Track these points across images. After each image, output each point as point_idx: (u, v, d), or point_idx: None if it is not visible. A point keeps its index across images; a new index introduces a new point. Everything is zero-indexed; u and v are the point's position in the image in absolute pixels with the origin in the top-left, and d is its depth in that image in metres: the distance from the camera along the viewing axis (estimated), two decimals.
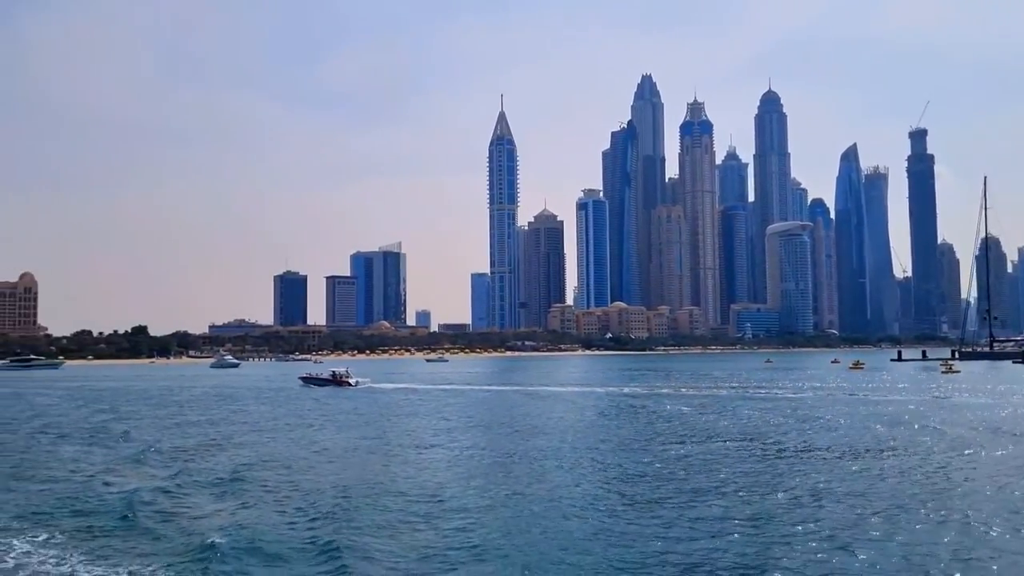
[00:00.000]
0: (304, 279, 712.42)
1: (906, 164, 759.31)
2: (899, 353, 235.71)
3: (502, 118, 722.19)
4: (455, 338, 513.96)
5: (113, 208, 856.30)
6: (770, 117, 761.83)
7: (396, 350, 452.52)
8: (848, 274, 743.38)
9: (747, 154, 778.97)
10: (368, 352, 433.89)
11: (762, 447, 40.59)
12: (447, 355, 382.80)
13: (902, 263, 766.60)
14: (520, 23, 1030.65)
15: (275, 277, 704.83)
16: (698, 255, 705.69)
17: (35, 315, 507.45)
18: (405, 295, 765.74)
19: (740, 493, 28.48)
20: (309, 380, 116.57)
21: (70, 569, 19.91)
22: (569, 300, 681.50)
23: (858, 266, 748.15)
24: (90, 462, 38.60)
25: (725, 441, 43.58)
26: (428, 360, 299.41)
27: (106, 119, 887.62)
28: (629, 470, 34.48)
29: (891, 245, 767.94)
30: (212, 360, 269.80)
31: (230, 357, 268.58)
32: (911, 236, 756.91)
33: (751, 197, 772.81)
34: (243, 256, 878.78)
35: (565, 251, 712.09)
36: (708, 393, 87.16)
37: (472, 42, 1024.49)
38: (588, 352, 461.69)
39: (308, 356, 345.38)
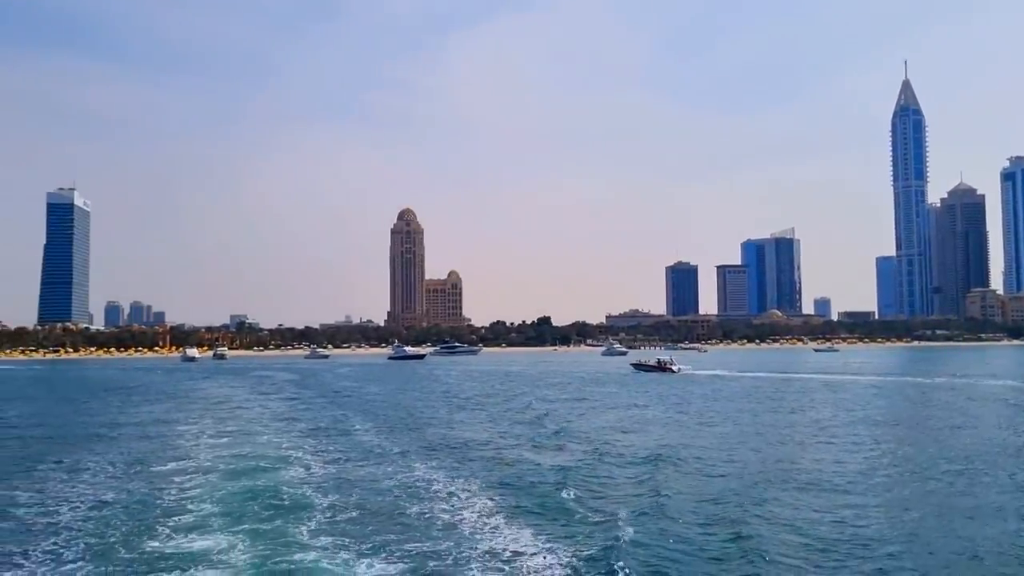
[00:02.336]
0: (695, 269, 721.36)
1: None
2: None
3: (906, 86, 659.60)
4: (853, 327, 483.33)
5: (521, 209, 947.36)
6: None
7: (788, 339, 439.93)
8: None
9: None
10: (758, 342, 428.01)
11: None
12: (841, 345, 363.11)
13: None
14: None
15: (666, 268, 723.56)
16: None
17: (460, 308, 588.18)
18: (800, 282, 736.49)
19: None
20: (639, 366, 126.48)
21: (507, 533, 21.68)
22: (993, 284, 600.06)
23: None
24: (517, 439, 43.44)
25: None
26: (816, 350, 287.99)
27: (514, 128, 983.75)
28: None
29: None
30: (603, 348, 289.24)
31: (619, 346, 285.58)
32: None
33: None
34: (638, 248, 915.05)
35: (987, 228, 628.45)
36: None
37: (870, 9, 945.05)
38: (1017, 342, 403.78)
39: (696, 345, 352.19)
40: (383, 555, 19.40)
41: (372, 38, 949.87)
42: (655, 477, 29.94)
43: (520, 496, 26.58)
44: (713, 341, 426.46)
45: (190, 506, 25.81)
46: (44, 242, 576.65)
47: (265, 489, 27.98)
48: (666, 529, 21.79)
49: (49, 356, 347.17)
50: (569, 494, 26.60)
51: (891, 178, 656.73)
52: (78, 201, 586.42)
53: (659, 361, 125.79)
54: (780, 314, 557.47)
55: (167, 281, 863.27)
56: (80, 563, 19.23)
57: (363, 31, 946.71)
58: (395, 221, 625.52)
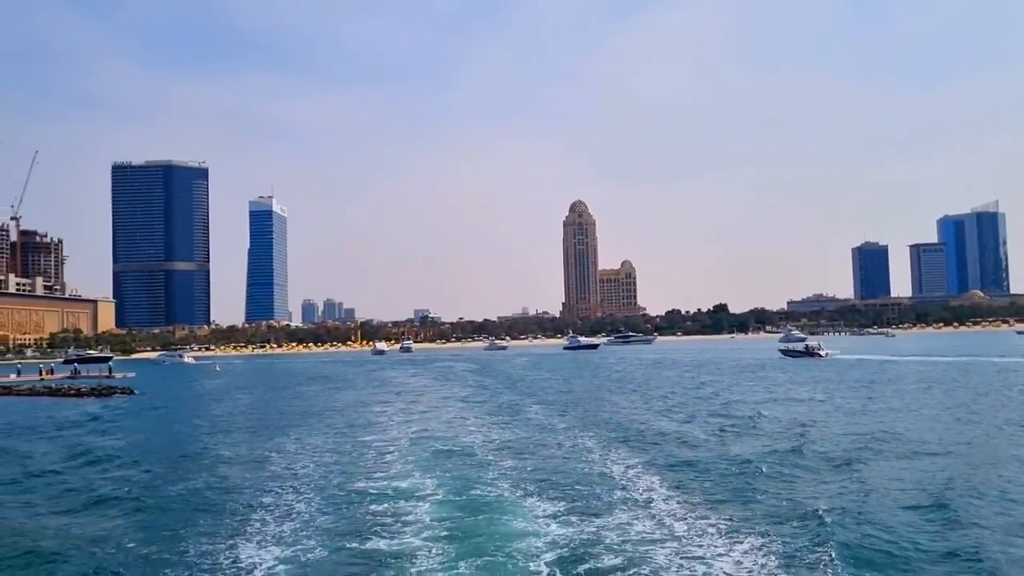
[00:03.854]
0: (884, 249, 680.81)
1: None
2: None
3: None
4: None
5: (695, 193, 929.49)
6: None
7: (991, 322, 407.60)
8: None
9: None
10: (955, 325, 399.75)
11: None
12: None
13: None
14: None
15: (853, 249, 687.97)
16: None
17: (635, 297, 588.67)
18: (1006, 260, 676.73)
19: None
20: (787, 352, 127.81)
21: (692, 512, 21.57)
22: None
23: None
24: (707, 426, 43.56)
25: None
26: (1019, 333, 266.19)
27: (686, 112, 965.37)
28: None
29: None
30: (781, 335, 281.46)
31: (797, 332, 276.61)
32: None
33: None
34: (822, 230, 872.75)
35: None
36: None
37: None
38: None
39: (884, 330, 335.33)
40: (550, 495, 24.14)
41: (538, 32, 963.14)
42: (817, 457, 32.92)
43: (665, 460, 30.63)
44: (905, 325, 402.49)
45: (390, 460, 32.04)
46: (248, 247, 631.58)
47: (452, 451, 33.75)
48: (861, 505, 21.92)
49: (257, 351, 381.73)
50: (721, 465, 30.34)
51: None
52: (275, 208, 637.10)
53: (807, 347, 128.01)
54: (982, 295, 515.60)
55: (355, 279, 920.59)
56: (312, 494, 25.72)
57: (529, 26, 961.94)
58: (567, 214, 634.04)
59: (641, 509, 22.16)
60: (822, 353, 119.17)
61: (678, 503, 22.87)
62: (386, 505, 23.54)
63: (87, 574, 17.70)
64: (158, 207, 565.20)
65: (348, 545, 19.22)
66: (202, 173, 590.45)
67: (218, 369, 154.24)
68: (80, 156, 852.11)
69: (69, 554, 19.26)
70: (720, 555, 17.64)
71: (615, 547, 18.34)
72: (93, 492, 27.55)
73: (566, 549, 18.27)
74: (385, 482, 27.17)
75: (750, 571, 16.55)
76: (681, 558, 17.44)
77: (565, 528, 20.18)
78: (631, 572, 16.49)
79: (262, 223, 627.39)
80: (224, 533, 20.85)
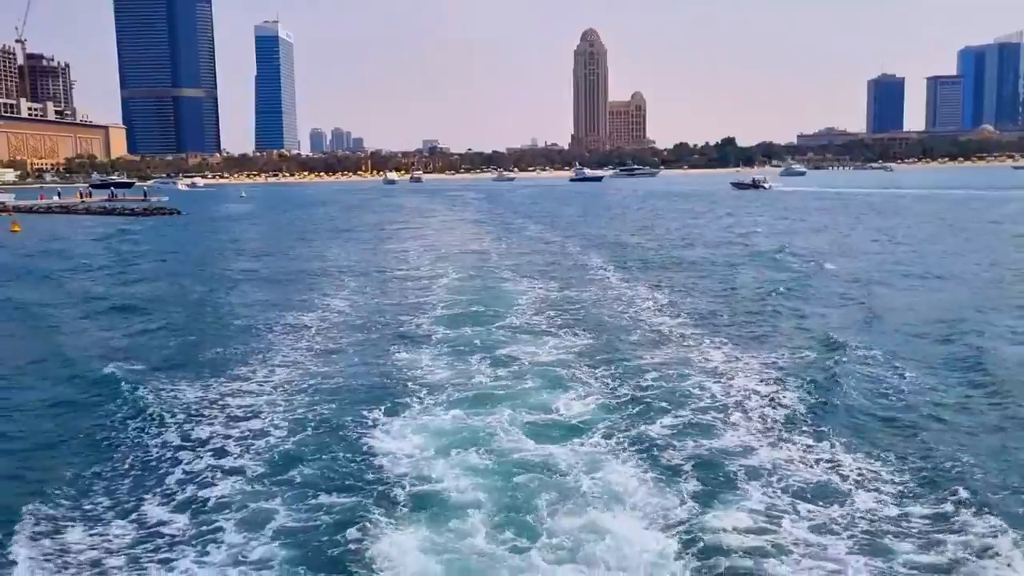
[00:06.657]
0: (901, 82, 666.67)
1: None
2: None
3: None
4: None
5: (707, 26, 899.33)
6: None
7: (996, 157, 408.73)
8: None
9: None
10: (961, 160, 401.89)
11: None
12: None
13: None
14: None
15: (869, 82, 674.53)
16: None
17: (644, 130, 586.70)
18: None
19: None
20: (737, 184, 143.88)
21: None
22: None
23: None
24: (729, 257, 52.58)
25: None
26: (1016, 168, 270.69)
27: None
28: None
29: None
30: (781, 169, 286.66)
31: (798, 167, 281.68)
32: None
33: None
34: (836, 62, 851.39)
35: None
36: None
37: None
38: None
39: (885, 165, 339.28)
40: (539, 276, 33.29)
41: None
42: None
43: (616, 254, 40.22)
44: (911, 160, 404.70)
45: (413, 258, 41.53)
46: (255, 74, 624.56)
47: (462, 252, 43.31)
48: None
49: (271, 180, 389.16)
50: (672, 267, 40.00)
51: None
52: (281, 33, 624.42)
53: (754, 180, 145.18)
54: (992, 129, 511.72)
55: (363, 108, 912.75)
56: (357, 275, 35.28)
57: None
58: (578, 42, 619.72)
59: (601, 282, 31.46)
60: (766, 186, 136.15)
61: (626, 277, 32.35)
62: (415, 282, 32.61)
63: (223, 318, 27.26)
64: (162, 31, 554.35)
65: (392, 300, 28.22)
66: None
67: (244, 195, 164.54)
68: None
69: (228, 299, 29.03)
70: (647, 306, 26.39)
71: (584, 300, 27.13)
72: (218, 266, 37.58)
73: (546, 301, 27.13)
74: (411, 269, 36.59)
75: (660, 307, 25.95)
76: (629, 309, 26.09)
77: (548, 292, 29.08)
78: (599, 312, 24.99)
79: (269, 49, 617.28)
80: (309, 290, 30.78)
